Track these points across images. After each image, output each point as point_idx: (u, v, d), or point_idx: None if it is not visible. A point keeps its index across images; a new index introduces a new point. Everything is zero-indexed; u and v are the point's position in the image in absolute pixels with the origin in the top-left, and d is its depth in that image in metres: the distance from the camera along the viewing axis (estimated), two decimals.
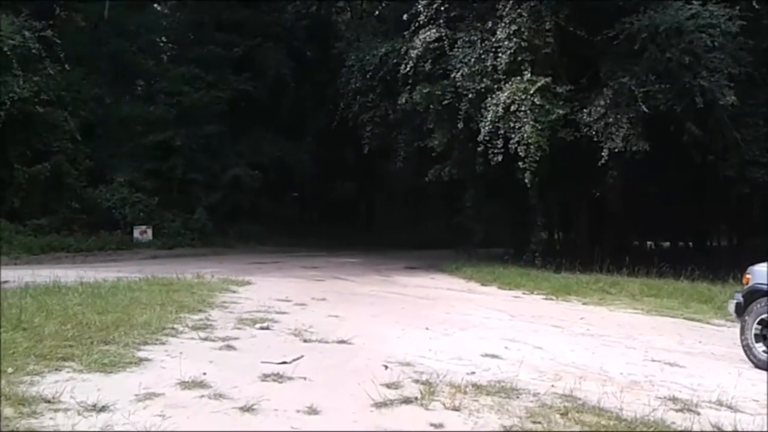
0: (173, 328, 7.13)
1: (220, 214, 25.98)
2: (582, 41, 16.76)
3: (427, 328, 8.37)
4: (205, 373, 5.29)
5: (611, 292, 13.53)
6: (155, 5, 30.43)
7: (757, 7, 15.28)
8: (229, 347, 6.51)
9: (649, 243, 32.67)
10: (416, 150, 20.42)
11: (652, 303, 12.33)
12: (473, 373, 6.00)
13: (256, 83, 26.97)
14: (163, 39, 29.48)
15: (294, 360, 5.87)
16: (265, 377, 5.32)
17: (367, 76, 20.50)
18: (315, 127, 28.91)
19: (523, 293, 13.65)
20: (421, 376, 5.63)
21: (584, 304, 12.32)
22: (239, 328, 7.43)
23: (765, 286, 7.29)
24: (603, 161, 15.70)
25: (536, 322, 9.65)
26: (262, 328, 7.47)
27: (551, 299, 12.74)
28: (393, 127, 21.30)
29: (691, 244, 31.29)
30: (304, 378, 5.38)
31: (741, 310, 7.55)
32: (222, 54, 26.83)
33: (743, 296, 7.60)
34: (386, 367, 5.90)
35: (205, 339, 6.81)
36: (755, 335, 7.24)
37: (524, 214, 20.06)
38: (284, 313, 8.83)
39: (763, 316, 7.18)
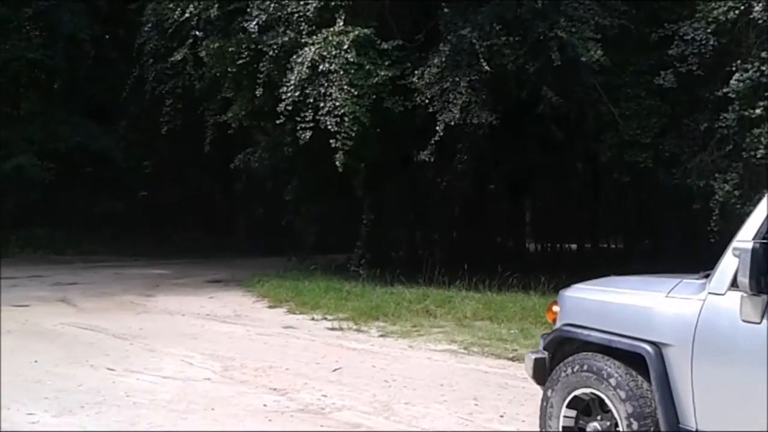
0: None
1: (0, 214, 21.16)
2: None
3: None
4: None
5: (436, 315, 10.26)
6: None
7: None
8: None
9: (534, 245, 30.04)
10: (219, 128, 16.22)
11: (481, 331, 9.01)
12: None
13: (51, 52, 22.22)
14: None
15: None
16: None
17: (166, 35, 16.34)
18: (136, 108, 24.06)
19: (312, 319, 10.06)
20: None
21: (382, 335, 8.83)
22: None
23: (585, 332, 3.83)
24: (437, 138, 12.27)
25: (246, 385, 5.94)
26: None
27: (340, 329, 9.13)
28: (201, 101, 17.24)
29: (587, 245, 28.72)
30: None
31: (542, 374, 4.08)
32: (6, 15, 21.96)
33: (546, 346, 4.13)
34: None
35: None
36: (565, 428, 3.77)
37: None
38: None
39: (579, 392, 3.71)
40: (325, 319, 9.96)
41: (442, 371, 6.74)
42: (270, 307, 11.28)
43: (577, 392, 3.71)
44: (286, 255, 18.50)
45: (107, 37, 23.91)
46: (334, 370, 6.48)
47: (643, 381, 3.43)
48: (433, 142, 12.29)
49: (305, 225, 16.90)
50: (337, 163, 12.36)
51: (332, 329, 9.12)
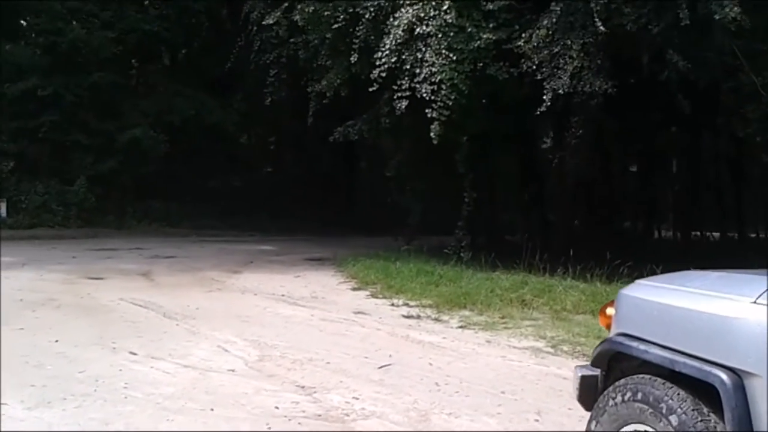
0: None
1: (118, 187, 21.96)
2: None
3: None
4: None
5: (531, 305, 9.25)
6: None
7: None
8: None
9: (673, 233, 27.71)
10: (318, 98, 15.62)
11: (579, 326, 7.97)
12: None
13: (167, 24, 22.69)
14: None
15: None
16: None
17: (269, 1, 16.03)
18: (250, 81, 24.17)
19: (392, 304, 9.37)
20: None
21: (462, 326, 8.00)
22: None
23: (641, 346, 2.85)
24: (544, 108, 11.17)
25: (271, 380, 5.32)
26: None
27: (417, 317, 8.40)
28: (305, 72, 16.86)
29: (731, 234, 26.18)
30: None
31: (591, 396, 3.15)
32: None
33: (594, 361, 3.19)
34: None
35: None
36: None
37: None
38: None
39: (630, 428, 2.76)
40: (407, 305, 9.27)
41: (510, 374, 5.84)
42: (354, 289, 10.75)
43: (628, 428, 2.77)
44: (392, 234, 17.97)
45: (224, 9, 24.05)
46: (381, 367, 5.73)
47: (718, 422, 2.45)
48: (538, 112, 11.21)
49: (409, 203, 16.19)
50: (432, 134, 11.56)
51: (407, 317, 8.40)
